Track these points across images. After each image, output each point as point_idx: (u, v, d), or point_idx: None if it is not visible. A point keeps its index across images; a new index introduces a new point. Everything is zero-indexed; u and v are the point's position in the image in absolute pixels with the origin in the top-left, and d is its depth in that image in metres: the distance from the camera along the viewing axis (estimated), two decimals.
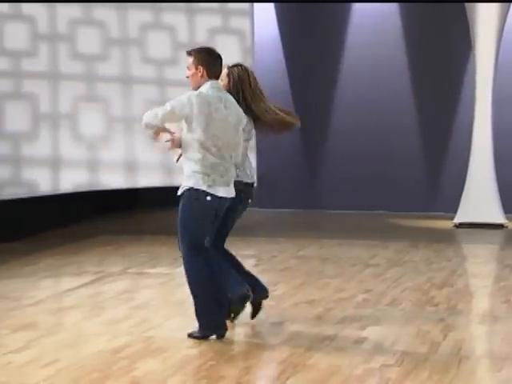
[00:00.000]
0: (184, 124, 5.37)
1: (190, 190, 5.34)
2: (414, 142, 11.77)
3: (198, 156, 5.35)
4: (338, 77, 11.93)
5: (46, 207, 9.67)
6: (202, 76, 5.42)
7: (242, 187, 5.62)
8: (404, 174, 11.75)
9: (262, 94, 5.71)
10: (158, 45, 9.46)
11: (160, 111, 5.28)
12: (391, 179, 11.78)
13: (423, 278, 7.44)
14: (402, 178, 11.76)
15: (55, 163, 9.24)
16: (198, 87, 5.44)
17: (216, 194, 5.37)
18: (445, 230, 10.48)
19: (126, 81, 9.52)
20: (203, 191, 5.33)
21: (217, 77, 5.47)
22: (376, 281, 7.30)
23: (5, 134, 8.92)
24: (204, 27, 9.71)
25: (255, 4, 10.33)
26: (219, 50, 10.02)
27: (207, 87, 5.40)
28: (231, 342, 5.40)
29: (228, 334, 5.49)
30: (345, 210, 11.80)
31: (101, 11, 9.38)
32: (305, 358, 5.03)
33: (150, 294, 6.95)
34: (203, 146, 5.34)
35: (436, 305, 6.41)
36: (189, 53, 5.51)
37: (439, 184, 11.74)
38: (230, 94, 5.55)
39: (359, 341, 5.40)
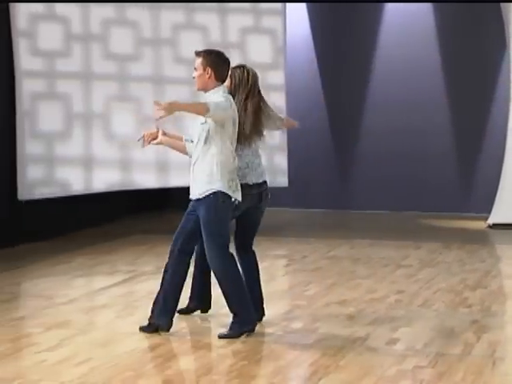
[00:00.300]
0: (215, 127, 5.36)
1: (217, 193, 5.36)
2: (446, 141, 11.69)
3: (230, 160, 5.38)
4: (370, 77, 11.89)
5: (78, 207, 9.73)
6: (209, 78, 5.42)
7: None
8: (436, 173, 11.67)
9: (257, 97, 5.66)
10: (191, 45, 9.45)
11: (223, 108, 5.28)
12: (423, 179, 11.70)
13: (456, 279, 7.39)
14: (434, 178, 11.68)
15: (88, 163, 9.30)
16: (204, 89, 5.45)
17: (238, 199, 5.42)
18: (478, 231, 10.40)
19: (158, 81, 9.56)
20: (227, 194, 5.36)
21: (223, 80, 5.49)
22: (408, 281, 7.27)
23: (38, 133, 9.00)
24: (236, 27, 9.72)
25: (287, 3, 10.31)
26: (251, 50, 10.04)
27: (221, 91, 5.41)
28: (263, 342, 5.41)
29: (259, 334, 5.50)
30: (376, 210, 11.75)
31: (134, 11, 9.43)
32: (336, 358, 5.02)
33: (183, 293, 6.96)
34: (231, 150, 5.38)
35: (469, 306, 6.36)
36: (198, 53, 5.49)
37: (472, 184, 11.65)
38: (230, 94, 5.58)
39: (391, 342, 5.39)
